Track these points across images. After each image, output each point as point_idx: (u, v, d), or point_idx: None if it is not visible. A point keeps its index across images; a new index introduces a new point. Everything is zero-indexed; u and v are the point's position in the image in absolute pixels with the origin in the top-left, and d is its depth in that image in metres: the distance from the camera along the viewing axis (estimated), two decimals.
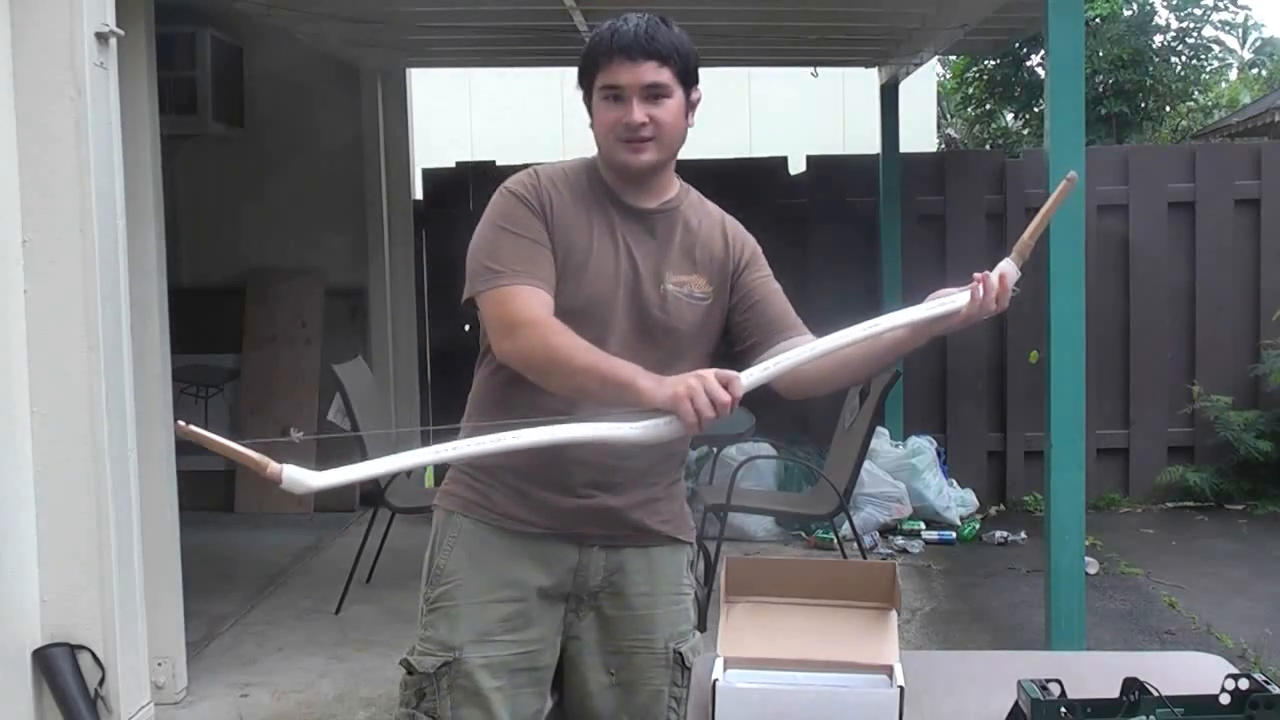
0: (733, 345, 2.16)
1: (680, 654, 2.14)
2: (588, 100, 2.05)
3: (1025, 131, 13.76)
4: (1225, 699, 1.57)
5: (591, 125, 2.06)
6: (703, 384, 1.80)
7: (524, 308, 1.96)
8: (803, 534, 6.04)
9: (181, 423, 1.61)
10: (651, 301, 2.06)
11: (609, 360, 1.91)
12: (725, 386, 1.81)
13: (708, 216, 2.15)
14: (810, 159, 7.04)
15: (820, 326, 2.03)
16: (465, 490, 2.10)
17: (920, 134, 11.39)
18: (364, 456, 4.85)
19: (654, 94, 1.99)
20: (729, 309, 2.14)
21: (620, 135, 2.00)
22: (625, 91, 1.99)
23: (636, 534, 2.12)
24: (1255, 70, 21.22)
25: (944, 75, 15.17)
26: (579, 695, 2.15)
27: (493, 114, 10.76)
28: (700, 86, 2.08)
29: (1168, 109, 13.61)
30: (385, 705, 3.91)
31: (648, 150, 2.02)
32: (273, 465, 1.67)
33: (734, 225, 2.18)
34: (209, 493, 6.40)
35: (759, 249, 2.19)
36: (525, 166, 2.11)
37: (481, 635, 2.05)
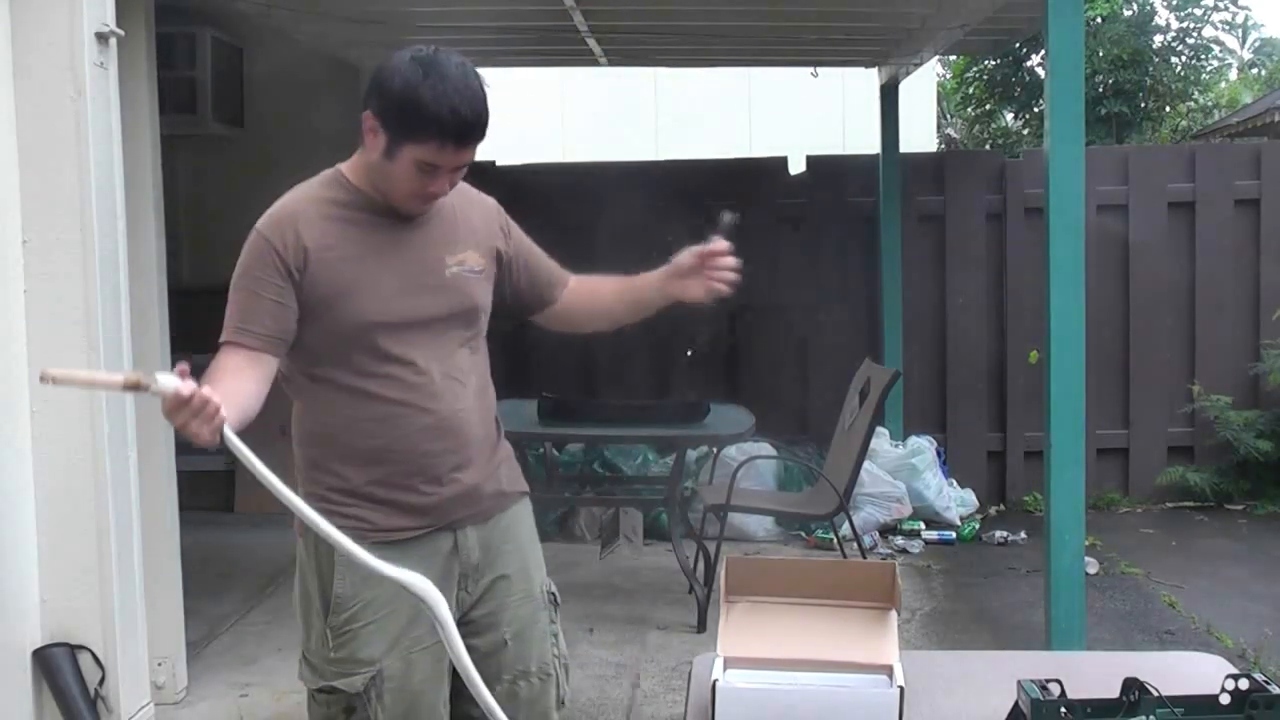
0: (521, 306, 2.34)
1: (552, 593, 2.35)
2: (391, 145, 2.03)
3: (1025, 131, 13.76)
4: (1225, 699, 1.57)
5: (377, 158, 2.07)
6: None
7: (217, 370, 2.08)
8: (803, 534, 6.03)
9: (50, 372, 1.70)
10: (439, 287, 2.15)
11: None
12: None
13: (459, 194, 2.24)
14: (810, 159, 7.03)
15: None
16: (336, 520, 2.10)
17: (920, 134, 11.40)
18: None
19: (459, 167, 2.09)
20: (507, 273, 2.29)
21: (420, 197, 2.09)
22: (442, 170, 2.06)
23: (495, 501, 2.27)
24: (1255, 70, 21.22)
25: (944, 75, 15.17)
26: (479, 659, 2.18)
27: (493, 114, 10.76)
28: None
29: (1168, 109, 13.61)
30: None
31: (433, 203, 2.14)
32: (142, 375, 1.73)
33: (478, 195, 2.32)
34: (209, 493, 6.40)
35: (503, 209, 2.35)
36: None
37: (395, 641, 2.16)
